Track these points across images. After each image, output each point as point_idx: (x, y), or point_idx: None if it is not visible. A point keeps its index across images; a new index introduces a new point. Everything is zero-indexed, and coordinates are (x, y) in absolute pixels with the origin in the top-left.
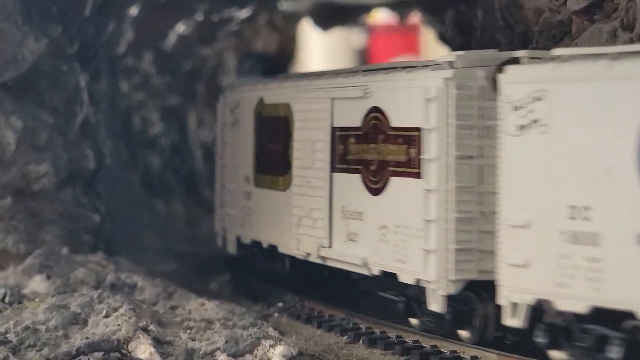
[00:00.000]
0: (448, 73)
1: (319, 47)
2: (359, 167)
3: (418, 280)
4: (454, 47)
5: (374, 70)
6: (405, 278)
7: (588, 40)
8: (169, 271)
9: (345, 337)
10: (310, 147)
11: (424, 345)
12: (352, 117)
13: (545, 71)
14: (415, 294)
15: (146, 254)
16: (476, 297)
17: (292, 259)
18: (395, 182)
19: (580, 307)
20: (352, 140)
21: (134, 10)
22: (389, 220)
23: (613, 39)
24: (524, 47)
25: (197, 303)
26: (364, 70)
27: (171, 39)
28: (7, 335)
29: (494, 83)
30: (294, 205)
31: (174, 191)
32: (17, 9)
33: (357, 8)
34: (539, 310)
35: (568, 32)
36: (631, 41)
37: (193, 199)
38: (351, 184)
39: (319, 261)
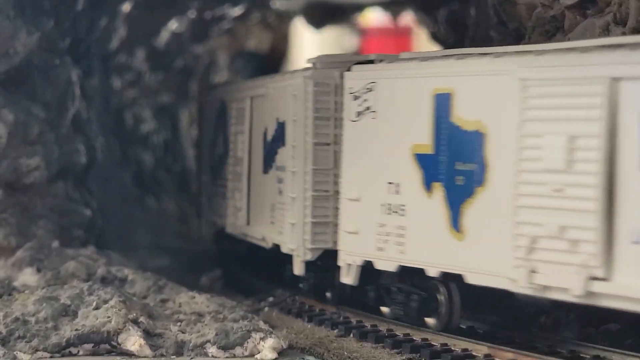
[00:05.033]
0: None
1: (311, 46)
2: None
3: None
4: (447, 46)
5: None
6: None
7: (581, 35)
8: (160, 267)
9: (335, 330)
10: None
11: (414, 338)
12: None
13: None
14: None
15: (137, 250)
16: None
17: None
18: None
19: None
20: None
21: (126, 7)
22: None
23: (606, 33)
24: (518, 42)
25: (188, 296)
26: None
27: (164, 36)
28: None
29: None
30: None
31: (165, 188)
32: (10, 3)
33: (350, 7)
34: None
35: (561, 27)
36: (623, 35)
37: (184, 196)
38: None
39: None
